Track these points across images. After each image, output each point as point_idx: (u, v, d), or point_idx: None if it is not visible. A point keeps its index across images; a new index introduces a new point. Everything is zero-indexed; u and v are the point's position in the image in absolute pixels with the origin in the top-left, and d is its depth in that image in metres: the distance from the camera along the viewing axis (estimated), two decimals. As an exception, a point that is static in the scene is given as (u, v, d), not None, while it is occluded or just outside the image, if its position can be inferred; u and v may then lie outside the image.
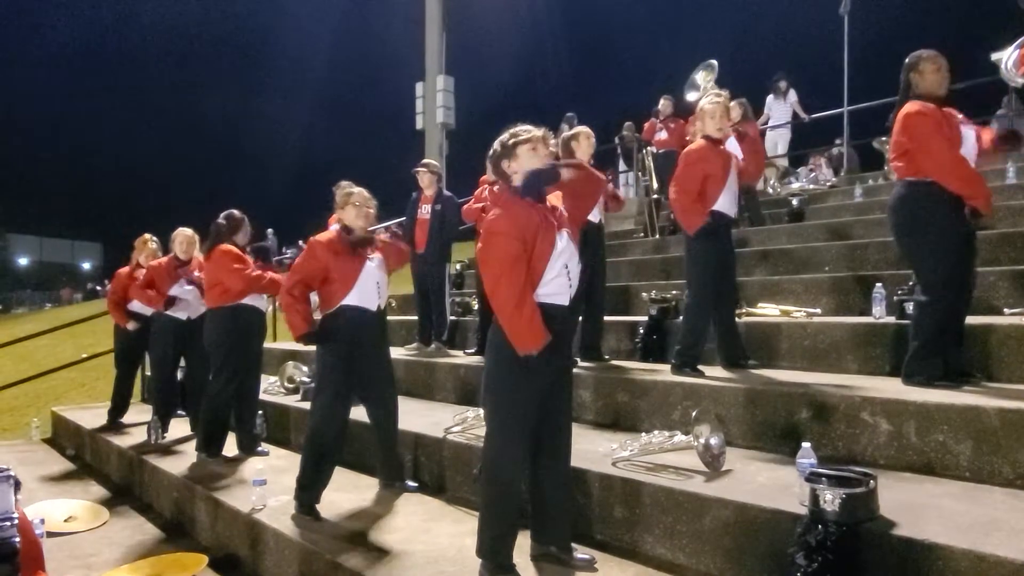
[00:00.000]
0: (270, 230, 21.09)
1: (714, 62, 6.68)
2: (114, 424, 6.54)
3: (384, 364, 4.05)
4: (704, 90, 6.52)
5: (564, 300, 2.77)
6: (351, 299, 3.79)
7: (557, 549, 2.90)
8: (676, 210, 4.51)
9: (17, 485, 2.68)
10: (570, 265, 2.77)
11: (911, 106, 3.62)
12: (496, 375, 2.78)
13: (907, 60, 3.71)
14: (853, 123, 10.55)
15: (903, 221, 3.65)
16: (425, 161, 6.73)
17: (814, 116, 10.96)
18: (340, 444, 3.87)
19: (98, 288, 34.84)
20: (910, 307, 3.85)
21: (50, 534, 4.07)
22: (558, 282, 2.73)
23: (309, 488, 3.72)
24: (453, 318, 6.89)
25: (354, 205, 3.90)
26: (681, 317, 4.61)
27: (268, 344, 6.19)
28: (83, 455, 6.57)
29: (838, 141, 11.65)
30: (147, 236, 6.56)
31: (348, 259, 3.82)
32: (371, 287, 3.85)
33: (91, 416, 6.98)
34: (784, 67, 11.13)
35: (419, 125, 17.31)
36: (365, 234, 3.94)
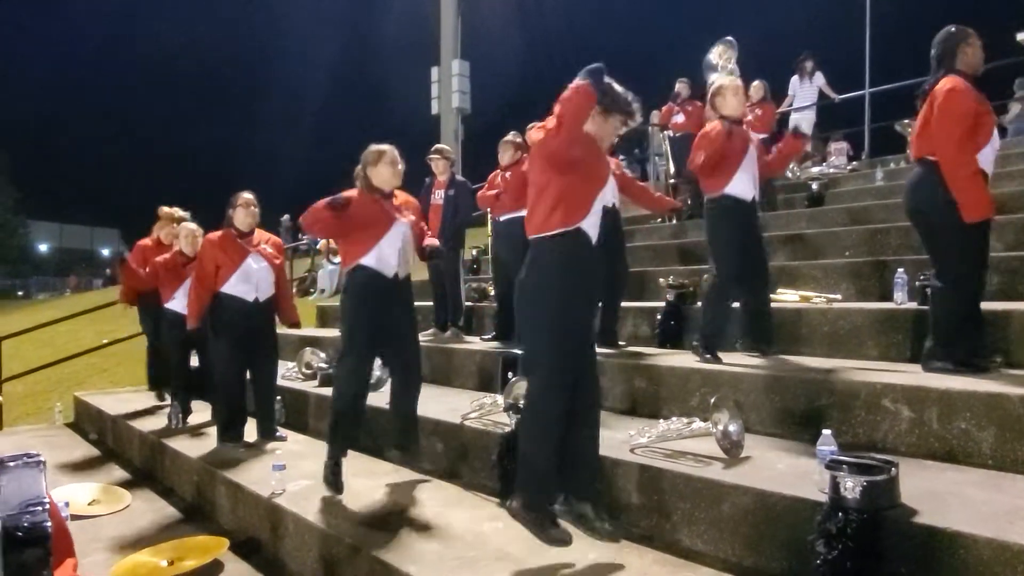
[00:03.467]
0: (286, 216, 21.17)
1: (731, 39, 6.59)
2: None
3: (407, 331, 3.99)
4: (722, 67, 6.44)
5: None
6: (368, 260, 3.79)
7: (591, 509, 2.85)
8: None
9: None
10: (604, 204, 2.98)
11: (953, 81, 3.46)
12: (541, 295, 2.79)
13: (953, 30, 3.59)
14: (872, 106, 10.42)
15: (926, 204, 3.54)
16: (438, 147, 6.71)
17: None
18: (361, 408, 3.92)
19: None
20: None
21: (74, 517, 4.13)
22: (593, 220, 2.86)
23: (331, 451, 3.81)
24: (469, 304, 6.90)
25: (388, 164, 3.85)
26: (700, 302, 4.58)
27: (286, 331, 6.21)
28: (105, 439, 6.67)
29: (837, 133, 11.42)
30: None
31: (376, 215, 3.81)
32: (392, 252, 3.83)
33: (113, 401, 7.07)
34: (803, 48, 10.96)
35: (435, 110, 17.28)
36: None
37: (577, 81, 2.64)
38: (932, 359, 3.48)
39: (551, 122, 2.70)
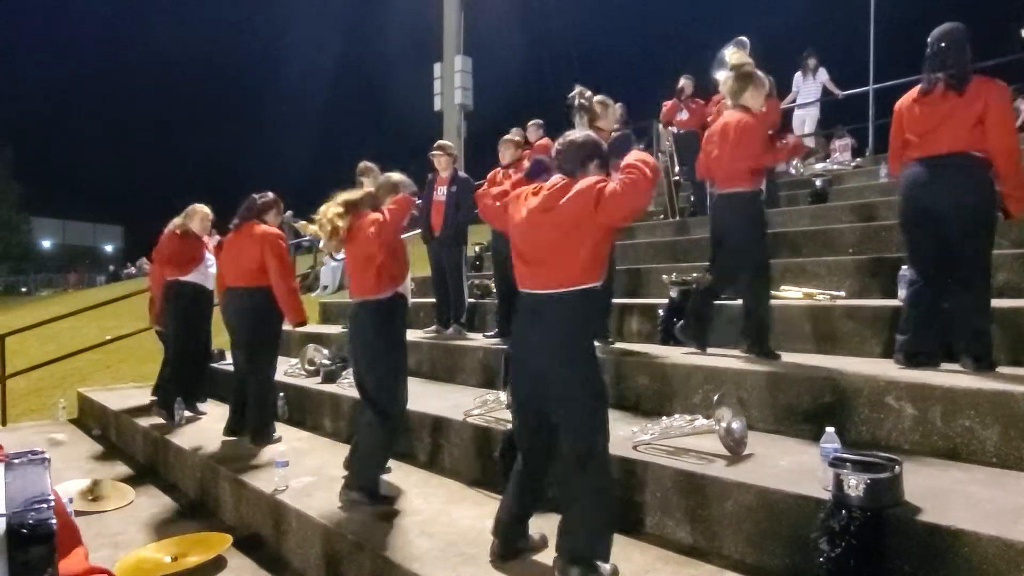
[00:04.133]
0: (289, 212, 21.16)
1: (745, 39, 6.56)
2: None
3: None
4: (732, 68, 6.42)
5: None
6: (404, 288, 3.82)
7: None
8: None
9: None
10: None
11: (992, 79, 3.45)
12: (592, 374, 2.67)
13: (962, 28, 3.58)
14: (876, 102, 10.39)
15: (974, 200, 3.45)
16: (440, 143, 6.69)
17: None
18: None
19: (123, 271, 35.29)
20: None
21: (78, 513, 4.16)
22: None
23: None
24: (472, 301, 6.89)
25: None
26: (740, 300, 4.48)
27: (289, 327, 6.19)
28: (109, 435, 6.69)
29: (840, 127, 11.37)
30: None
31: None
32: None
33: (116, 397, 7.09)
34: (808, 44, 10.92)
35: (437, 106, 17.28)
36: None
37: (645, 156, 2.63)
38: (980, 357, 3.38)
39: (631, 183, 2.51)
